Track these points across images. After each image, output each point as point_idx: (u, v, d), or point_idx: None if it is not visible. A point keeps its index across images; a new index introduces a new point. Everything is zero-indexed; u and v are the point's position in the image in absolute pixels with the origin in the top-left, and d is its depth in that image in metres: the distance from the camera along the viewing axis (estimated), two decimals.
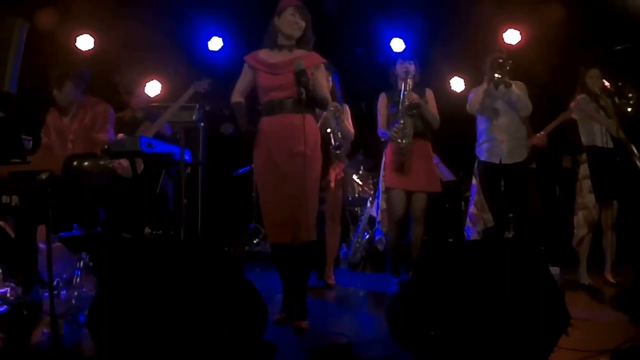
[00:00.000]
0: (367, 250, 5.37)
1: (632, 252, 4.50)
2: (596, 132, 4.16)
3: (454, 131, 4.58)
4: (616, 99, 4.09)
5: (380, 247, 4.72)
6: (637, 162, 3.98)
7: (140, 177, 3.74)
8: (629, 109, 4.06)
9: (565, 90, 4.45)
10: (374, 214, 4.87)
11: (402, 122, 3.99)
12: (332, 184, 4.15)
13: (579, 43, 5.24)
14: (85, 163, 2.84)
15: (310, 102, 2.96)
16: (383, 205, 4.45)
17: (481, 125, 4.35)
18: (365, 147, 5.88)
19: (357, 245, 5.37)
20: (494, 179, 4.28)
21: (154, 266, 2.17)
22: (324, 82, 3.13)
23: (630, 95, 4.07)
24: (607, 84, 4.14)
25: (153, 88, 5.82)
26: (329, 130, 3.81)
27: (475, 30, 5.57)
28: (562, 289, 2.25)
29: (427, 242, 5.32)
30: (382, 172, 4.37)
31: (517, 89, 4.13)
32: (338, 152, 3.84)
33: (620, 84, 4.13)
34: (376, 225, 4.72)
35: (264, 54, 3.07)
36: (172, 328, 2.06)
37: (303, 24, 3.01)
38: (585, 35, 5.25)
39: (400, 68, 4.14)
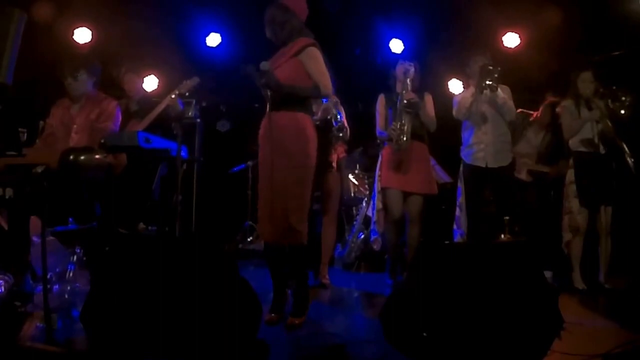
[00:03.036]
0: (362, 251, 5.37)
1: (626, 257, 4.52)
2: (586, 137, 4.16)
3: (450, 133, 4.59)
4: (609, 102, 4.11)
5: (376, 247, 4.72)
6: (629, 159, 3.98)
7: (136, 172, 3.73)
8: (623, 112, 4.08)
9: (564, 95, 4.46)
10: (369, 213, 4.87)
11: (400, 120, 3.99)
12: (334, 165, 4.17)
13: (578, 48, 5.25)
14: (82, 157, 2.83)
15: (287, 100, 2.92)
16: (379, 205, 4.46)
17: (467, 129, 4.37)
18: (361, 147, 5.88)
19: (352, 245, 5.37)
20: (478, 183, 4.29)
21: (149, 262, 2.16)
22: (313, 64, 2.96)
23: (623, 98, 4.08)
24: (599, 87, 4.16)
25: (150, 83, 5.80)
26: (329, 116, 3.86)
27: (474, 32, 5.58)
28: (556, 293, 2.25)
29: (422, 244, 5.31)
30: (378, 172, 4.38)
31: (502, 93, 4.15)
32: (341, 134, 3.89)
33: (614, 87, 4.14)
34: (372, 226, 4.72)
35: None
36: (166, 324, 2.06)
37: (272, 28, 3.01)
38: (584, 40, 5.26)
39: (399, 69, 4.14)
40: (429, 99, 4.22)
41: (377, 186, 4.42)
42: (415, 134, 4.07)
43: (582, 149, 4.19)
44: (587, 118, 4.14)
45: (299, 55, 2.95)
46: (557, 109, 4.32)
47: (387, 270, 4.33)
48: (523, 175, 4.86)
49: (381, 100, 4.27)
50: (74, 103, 3.76)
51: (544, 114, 4.84)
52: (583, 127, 4.18)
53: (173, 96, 4.15)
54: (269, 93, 2.88)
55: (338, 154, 4.25)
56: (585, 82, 4.19)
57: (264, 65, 2.81)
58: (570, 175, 4.21)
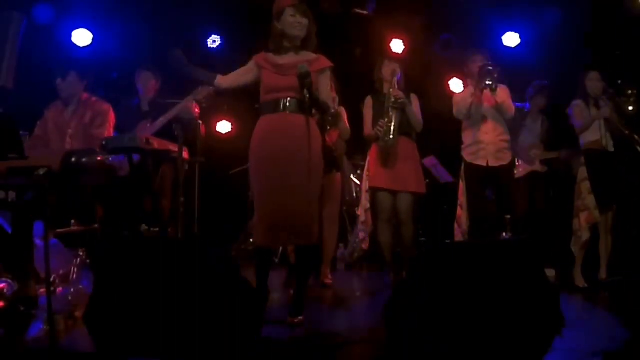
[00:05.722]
0: (364, 251, 5.37)
1: (628, 255, 4.52)
2: (596, 135, 4.17)
3: (452, 133, 4.59)
4: (616, 97, 4.11)
5: (364, 246, 4.73)
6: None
7: (137, 174, 3.74)
8: (630, 107, 4.08)
9: (565, 94, 4.47)
10: (358, 212, 4.84)
11: (387, 117, 3.99)
12: (329, 141, 4.10)
13: (579, 47, 5.25)
14: (84, 159, 2.84)
15: (312, 105, 2.92)
16: (366, 204, 4.46)
17: (467, 128, 4.37)
18: (364, 148, 5.89)
19: (355, 245, 5.38)
20: (479, 182, 4.29)
21: (152, 263, 2.17)
22: (326, 87, 3.08)
23: (629, 92, 4.08)
24: (607, 87, 4.16)
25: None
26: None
27: (474, 31, 5.58)
28: (557, 290, 2.26)
29: (423, 243, 5.33)
30: (366, 172, 4.38)
31: (502, 93, 4.15)
32: (331, 118, 3.87)
33: (619, 81, 4.14)
34: (359, 225, 4.73)
35: (271, 56, 3.06)
36: (169, 325, 2.06)
37: (306, 21, 2.96)
38: (585, 38, 5.26)
39: (386, 70, 4.14)
40: (414, 100, 4.20)
41: (365, 185, 4.41)
42: (403, 131, 4.05)
43: (592, 147, 4.20)
44: (596, 116, 4.14)
45: (320, 73, 3.02)
46: (569, 109, 4.33)
47: (387, 271, 4.32)
48: (537, 167, 4.83)
49: (368, 102, 4.27)
50: (66, 106, 3.75)
51: (536, 98, 4.83)
52: (592, 127, 4.18)
53: (187, 101, 4.12)
54: (306, 95, 2.83)
55: (331, 138, 4.19)
56: (593, 81, 4.19)
57: (304, 67, 2.84)
58: (582, 172, 4.21)
